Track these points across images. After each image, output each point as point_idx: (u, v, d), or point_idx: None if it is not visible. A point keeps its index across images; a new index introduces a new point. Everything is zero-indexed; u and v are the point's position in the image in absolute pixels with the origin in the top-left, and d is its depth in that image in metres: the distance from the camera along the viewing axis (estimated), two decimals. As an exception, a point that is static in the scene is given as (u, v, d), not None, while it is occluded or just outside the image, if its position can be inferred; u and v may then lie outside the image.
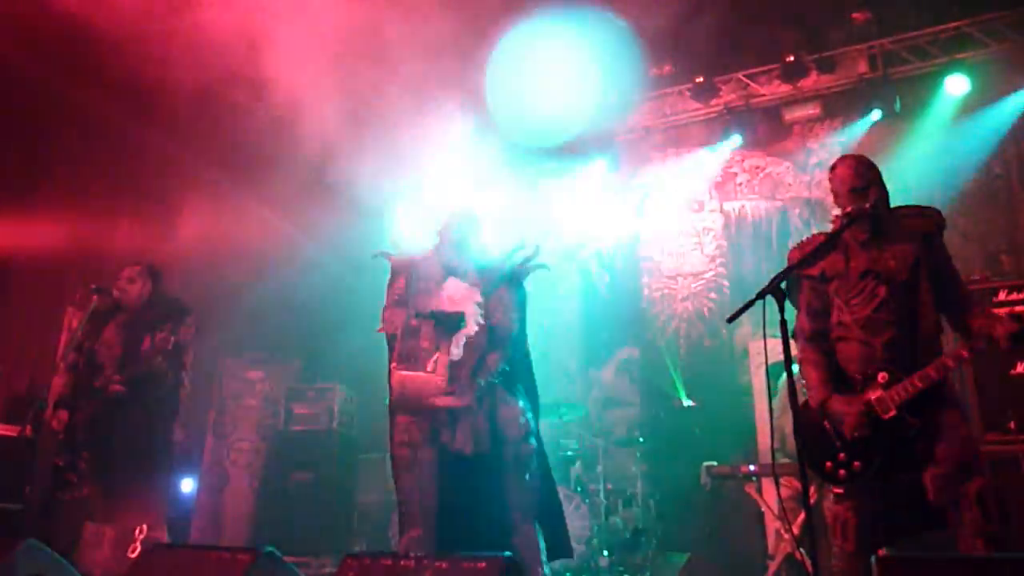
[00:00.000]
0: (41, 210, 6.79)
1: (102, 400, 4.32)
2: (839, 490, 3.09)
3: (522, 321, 3.73)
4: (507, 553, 2.56)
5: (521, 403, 3.67)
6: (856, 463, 3.03)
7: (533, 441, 3.63)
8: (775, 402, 5.50)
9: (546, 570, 3.50)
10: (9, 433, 5.11)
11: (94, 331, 4.56)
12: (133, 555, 3.94)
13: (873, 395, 3.04)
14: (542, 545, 3.51)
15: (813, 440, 3.15)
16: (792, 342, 2.97)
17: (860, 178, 3.24)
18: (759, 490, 5.35)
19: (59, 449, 4.33)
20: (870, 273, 3.15)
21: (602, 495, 5.92)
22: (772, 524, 5.46)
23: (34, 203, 6.86)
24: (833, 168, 3.36)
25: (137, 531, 4.21)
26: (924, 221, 3.20)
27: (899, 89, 6.93)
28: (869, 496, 3.04)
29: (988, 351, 2.97)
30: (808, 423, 3.17)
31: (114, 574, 3.69)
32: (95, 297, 4.62)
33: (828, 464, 3.09)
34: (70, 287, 6.60)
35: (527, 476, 3.54)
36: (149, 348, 4.34)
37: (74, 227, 6.60)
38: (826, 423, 3.12)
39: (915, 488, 2.95)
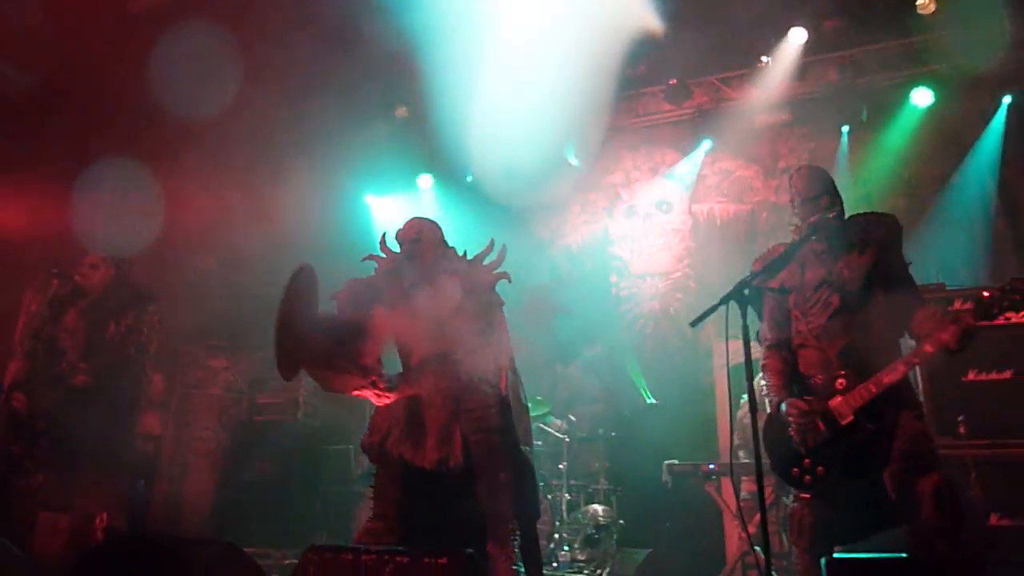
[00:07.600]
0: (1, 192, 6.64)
1: (64, 388, 4.25)
2: (805, 495, 3.16)
3: (488, 333, 3.63)
4: (469, 551, 2.57)
5: (484, 398, 3.57)
6: (820, 468, 3.11)
7: (494, 435, 3.49)
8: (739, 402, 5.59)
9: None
10: (-38, 418, 5.01)
11: (54, 317, 4.49)
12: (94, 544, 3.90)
13: (832, 402, 3.12)
14: (515, 548, 3.37)
15: (779, 447, 3.23)
16: (755, 345, 3.04)
17: (811, 187, 3.36)
18: (718, 488, 5.42)
19: (15, 435, 4.25)
20: (825, 283, 3.25)
21: (565, 491, 5.96)
22: (731, 522, 5.55)
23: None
24: (791, 178, 3.49)
25: (97, 520, 4.15)
26: (880, 228, 3.27)
27: (866, 99, 7.05)
28: (830, 498, 3.12)
29: (942, 358, 3.03)
30: (775, 430, 3.25)
31: (69, 563, 3.63)
32: (55, 282, 4.54)
33: (795, 470, 3.17)
34: (30, 270, 6.45)
35: (499, 474, 3.42)
36: (113, 335, 4.29)
37: (35, 209, 6.47)
38: (791, 430, 3.19)
39: (877, 489, 3.03)
